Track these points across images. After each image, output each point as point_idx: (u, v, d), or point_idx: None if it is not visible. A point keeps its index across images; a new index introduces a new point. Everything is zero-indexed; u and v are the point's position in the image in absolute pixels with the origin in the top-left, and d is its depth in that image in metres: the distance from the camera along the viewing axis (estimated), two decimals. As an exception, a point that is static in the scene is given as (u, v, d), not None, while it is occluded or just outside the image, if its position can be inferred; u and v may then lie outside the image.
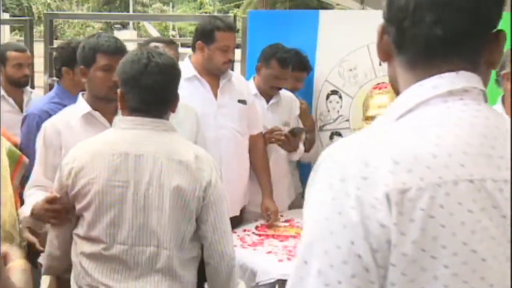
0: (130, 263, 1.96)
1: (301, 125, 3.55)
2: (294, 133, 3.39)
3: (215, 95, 3.16)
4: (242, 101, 3.22)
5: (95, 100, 2.44)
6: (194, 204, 1.97)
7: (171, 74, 2.02)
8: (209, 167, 2.00)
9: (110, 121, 2.36)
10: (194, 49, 3.17)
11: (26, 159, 2.52)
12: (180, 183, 1.93)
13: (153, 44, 2.86)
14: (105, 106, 2.43)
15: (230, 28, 3.13)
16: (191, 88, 3.10)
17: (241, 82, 3.32)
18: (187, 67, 3.13)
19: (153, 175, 1.93)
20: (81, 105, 2.47)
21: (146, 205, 1.93)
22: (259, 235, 3.07)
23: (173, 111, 2.08)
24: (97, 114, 2.44)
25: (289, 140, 3.37)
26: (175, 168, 1.94)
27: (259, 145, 3.34)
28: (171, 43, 2.98)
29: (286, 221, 3.27)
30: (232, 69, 3.51)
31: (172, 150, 1.97)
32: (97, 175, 1.94)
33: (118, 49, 2.38)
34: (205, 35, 3.10)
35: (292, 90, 3.60)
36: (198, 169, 1.96)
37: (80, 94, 2.53)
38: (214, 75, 3.16)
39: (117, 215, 1.94)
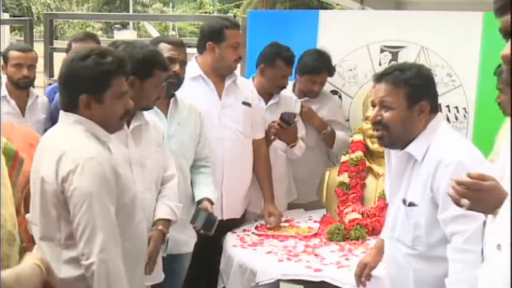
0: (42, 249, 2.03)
1: (301, 123, 3.49)
2: (284, 119, 3.29)
3: (220, 96, 3.16)
4: (247, 103, 3.22)
5: None
6: (55, 197, 1.94)
7: (72, 69, 2.00)
8: (73, 162, 1.91)
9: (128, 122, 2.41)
10: (201, 51, 3.17)
11: (22, 155, 2.45)
12: (44, 174, 1.96)
13: (162, 45, 2.83)
14: None
15: (237, 25, 3.19)
16: (195, 87, 3.11)
17: (247, 85, 3.32)
18: (193, 67, 3.15)
19: (40, 165, 2.00)
20: None
21: (39, 194, 2.00)
22: (259, 235, 3.07)
23: (82, 107, 2.00)
24: None
25: (283, 128, 3.31)
26: (45, 160, 1.98)
27: (262, 150, 3.33)
28: (180, 45, 2.91)
29: (286, 221, 3.26)
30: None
31: (53, 142, 2.02)
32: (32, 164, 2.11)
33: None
34: (214, 35, 3.11)
35: (307, 93, 3.57)
36: (60, 162, 1.92)
37: None
38: (220, 75, 3.17)
39: (33, 201, 2.06)
